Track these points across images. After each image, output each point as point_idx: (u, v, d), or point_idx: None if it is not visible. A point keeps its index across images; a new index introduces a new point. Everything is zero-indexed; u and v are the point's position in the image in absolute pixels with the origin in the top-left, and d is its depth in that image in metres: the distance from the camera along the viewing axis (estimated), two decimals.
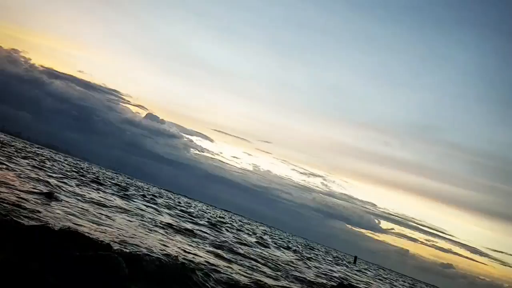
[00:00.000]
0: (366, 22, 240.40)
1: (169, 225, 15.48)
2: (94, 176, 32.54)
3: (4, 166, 16.08)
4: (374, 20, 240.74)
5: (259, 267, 12.38)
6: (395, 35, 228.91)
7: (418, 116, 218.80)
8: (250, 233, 32.12)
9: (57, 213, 9.89)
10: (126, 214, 14.59)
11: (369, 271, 42.09)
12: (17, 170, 16.53)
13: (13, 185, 11.74)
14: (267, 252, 18.58)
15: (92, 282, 5.20)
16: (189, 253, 10.66)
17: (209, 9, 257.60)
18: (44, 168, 23.07)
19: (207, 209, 66.36)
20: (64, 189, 15.46)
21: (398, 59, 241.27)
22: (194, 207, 50.94)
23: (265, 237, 33.96)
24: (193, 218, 24.22)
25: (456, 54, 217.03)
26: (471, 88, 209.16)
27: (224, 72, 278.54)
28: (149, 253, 7.99)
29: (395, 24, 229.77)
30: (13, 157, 22.90)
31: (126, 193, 25.66)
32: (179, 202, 46.59)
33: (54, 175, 20.49)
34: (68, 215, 10.10)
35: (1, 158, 19.17)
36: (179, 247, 11.09)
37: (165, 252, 9.19)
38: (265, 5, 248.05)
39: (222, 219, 40.25)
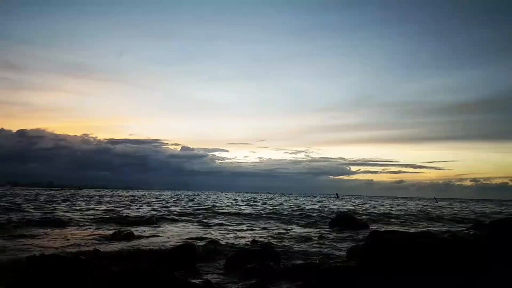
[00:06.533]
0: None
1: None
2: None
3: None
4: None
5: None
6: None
7: (354, 93, 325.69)
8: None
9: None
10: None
11: (349, 200, 73.00)
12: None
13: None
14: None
15: None
16: None
17: (207, 68, 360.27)
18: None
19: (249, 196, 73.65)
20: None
21: (329, 57, 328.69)
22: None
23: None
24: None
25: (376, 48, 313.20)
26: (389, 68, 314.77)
27: (224, 104, 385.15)
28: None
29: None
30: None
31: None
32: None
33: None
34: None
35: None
36: None
37: None
38: (241, 58, 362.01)
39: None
